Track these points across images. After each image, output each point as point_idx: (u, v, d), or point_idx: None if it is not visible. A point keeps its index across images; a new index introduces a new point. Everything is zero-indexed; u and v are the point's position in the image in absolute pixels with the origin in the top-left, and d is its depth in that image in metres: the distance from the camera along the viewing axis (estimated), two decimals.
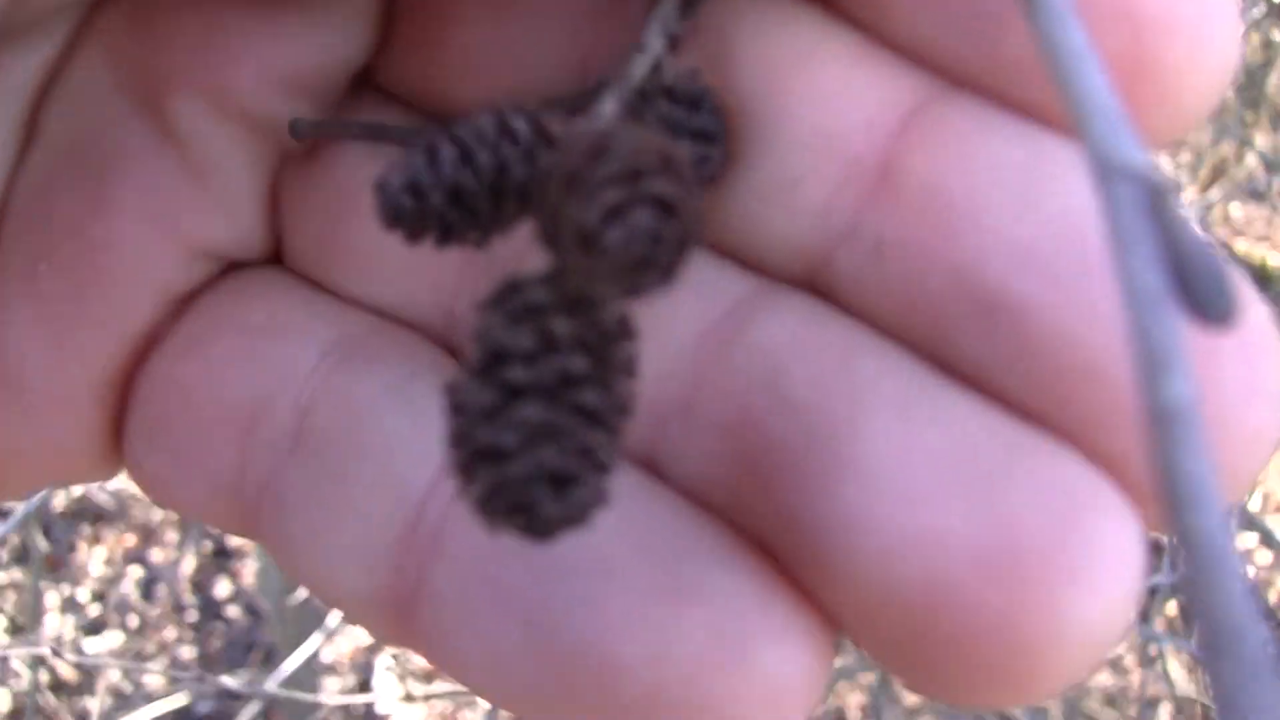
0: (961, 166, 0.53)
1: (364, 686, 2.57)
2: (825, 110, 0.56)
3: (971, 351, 0.54)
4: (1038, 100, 0.52)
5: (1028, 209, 0.51)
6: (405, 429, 0.59)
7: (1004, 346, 0.52)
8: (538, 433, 0.46)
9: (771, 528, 0.54)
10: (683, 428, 0.59)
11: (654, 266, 0.44)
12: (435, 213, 0.53)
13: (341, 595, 0.59)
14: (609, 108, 0.57)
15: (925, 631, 0.48)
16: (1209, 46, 0.47)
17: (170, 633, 2.54)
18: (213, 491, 0.61)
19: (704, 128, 0.60)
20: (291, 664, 1.77)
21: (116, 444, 0.63)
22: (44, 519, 2.49)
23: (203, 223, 0.61)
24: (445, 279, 0.60)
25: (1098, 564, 0.46)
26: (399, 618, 0.58)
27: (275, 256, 0.65)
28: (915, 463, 0.50)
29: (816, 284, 0.58)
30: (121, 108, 0.58)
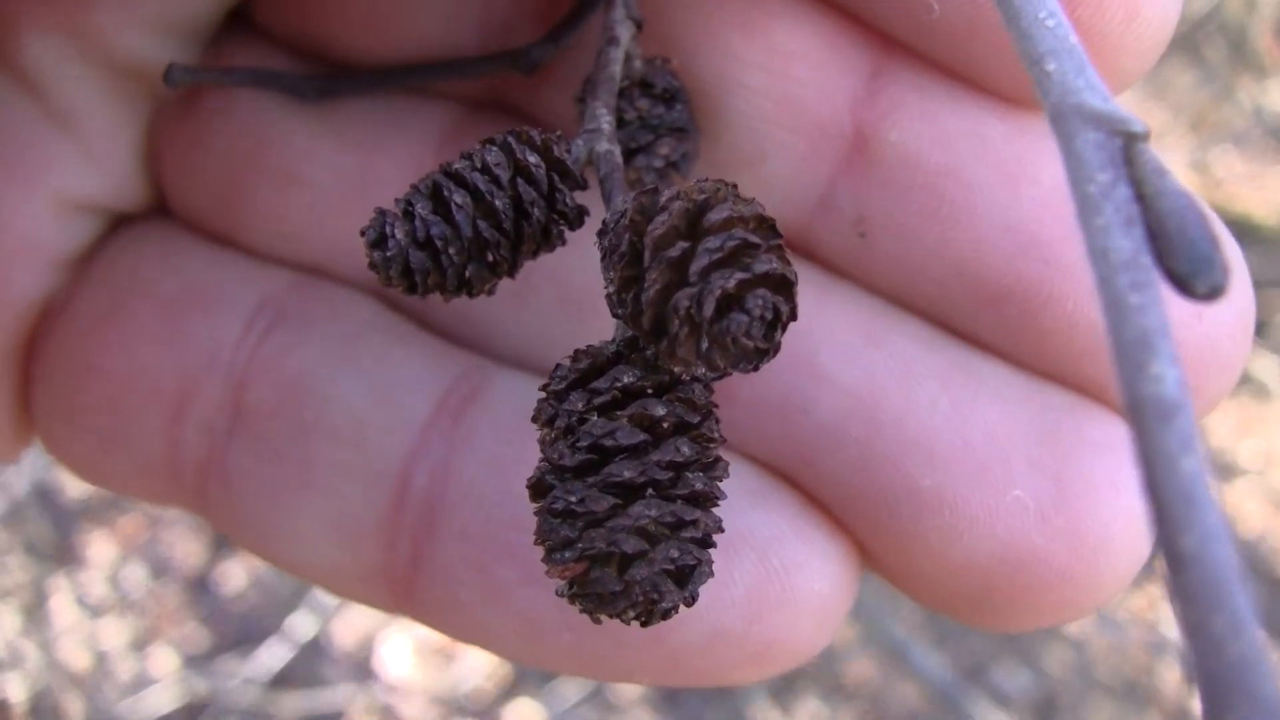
0: (940, 140, 0.50)
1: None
2: (782, 78, 0.53)
3: (981, 333, 0.52)
4: (971, 67, 0.50)
5: (1018, 188, 0.49)
6: (363, 402, 0.55)
7: (1015, 333, 0.50)
8: (658, 531, 0.42)
9: (824, 495, 0.53)
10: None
11: (771, 351, 0.40)
12: (454, 269, 0.47)
13: (322, 574, 0.56)
14: (604, 122, 0.52)
15: (995, 588, 0.50)
16: (1144, 13, 0.47)
17: (179, 619, 2.53)
18: (144, 473, 0.57)
19: (680, 123, 0.56)
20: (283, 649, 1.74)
21: (23, 421, 0.59)
22: (51, 508, 2.50)
23: (74, 174, 0.57)
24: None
25: (1134, 501, 0.49)
26: (395, 591, 0.56)
27: (157, 208, 0.60)
28: (974, 438, 0.50)
29: (795, 250, 0.55)
30: None
